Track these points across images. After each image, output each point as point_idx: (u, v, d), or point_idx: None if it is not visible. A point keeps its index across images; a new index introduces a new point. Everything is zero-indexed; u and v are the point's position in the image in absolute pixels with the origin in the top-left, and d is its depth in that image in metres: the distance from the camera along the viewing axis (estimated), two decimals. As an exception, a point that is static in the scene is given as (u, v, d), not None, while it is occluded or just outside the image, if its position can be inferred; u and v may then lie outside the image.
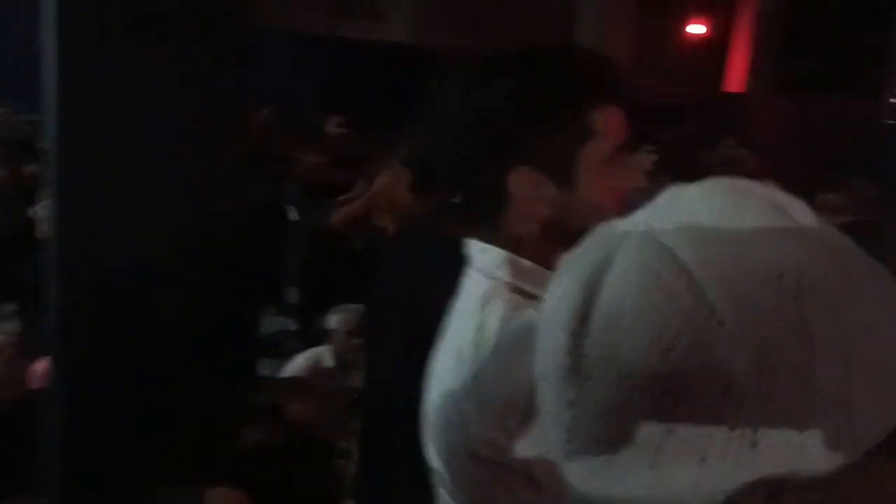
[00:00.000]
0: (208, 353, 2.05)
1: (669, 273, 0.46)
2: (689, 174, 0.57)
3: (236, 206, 2.09)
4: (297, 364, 3.67)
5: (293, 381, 3.11)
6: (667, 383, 0.45)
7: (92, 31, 1.81)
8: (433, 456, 0.85)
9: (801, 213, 0.50)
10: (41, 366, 3.16)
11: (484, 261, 0.85)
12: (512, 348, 0.78)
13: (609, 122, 0.80)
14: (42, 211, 4.54)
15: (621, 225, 0.52)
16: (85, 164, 1.83)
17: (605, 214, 0.57)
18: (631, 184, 0.78)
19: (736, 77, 9.65)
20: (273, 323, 5.33)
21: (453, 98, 0.86)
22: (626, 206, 0.57)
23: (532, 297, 0.80)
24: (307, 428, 2.65)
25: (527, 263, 0.83)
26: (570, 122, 0.79)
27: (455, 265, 0.89)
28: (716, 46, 9.86)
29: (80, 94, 1.82)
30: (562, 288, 0.52)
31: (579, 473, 0.50)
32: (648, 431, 0.47)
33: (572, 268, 0.52)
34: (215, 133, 1.90)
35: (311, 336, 3.96)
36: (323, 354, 3.69)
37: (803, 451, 0.45)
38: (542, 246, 0.82)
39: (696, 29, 9.78)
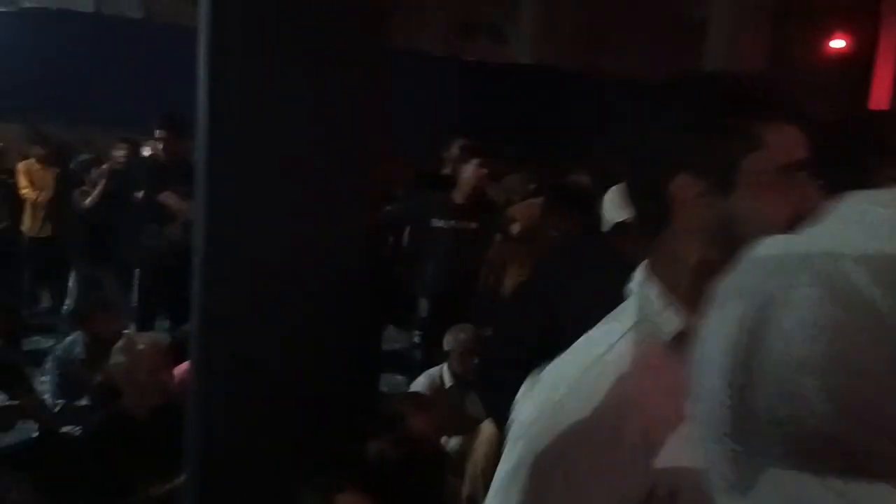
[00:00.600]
0: (338, 364, 2.10)
1: (858, 312, 0.40)
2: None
3: (370, 221, 2.14)
4: (420, 380, 3.73)
5: (415, 396, 3.15)
6: (846, 445, 0.39)
7: (240, 59, 1.91)
8: None
9: None
10: (181, 372, 3.36)
11: (640, 295, 0.86)
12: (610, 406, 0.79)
13: (778, 136, 0.80)
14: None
15: (791, 244, 0.46)
16: (231, 182, 1.93)
17: (770, 228, 0.56)
18: (805, 203, 0.75)
19: (881, 94, 9.06)
20: (400, 338, 5.45)
21: (634, 114, 0.89)
22: (795, 224, 0.54)
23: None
24: (427, 442, 2.69)
25: (676, 301, 0.83)
26: (735, 130, 0.80)
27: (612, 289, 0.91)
28: (858, 62, 9.32)
29: (228, 117, 1.93)
30: (720, 324, 0.45)
31: None
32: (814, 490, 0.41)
33: (732, 297, 0.45)
34: (353, 151, 1.97)
35: (436, 353, 4.00)
36: (443, 373, 3.74)
37: None
38: (704, 259, 0.81)
39: (837, 44, 9.27)
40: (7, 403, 3.39)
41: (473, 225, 4.38)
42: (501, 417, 0.97)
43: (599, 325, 0.89)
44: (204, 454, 2.09)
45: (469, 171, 4.46)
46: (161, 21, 9.98)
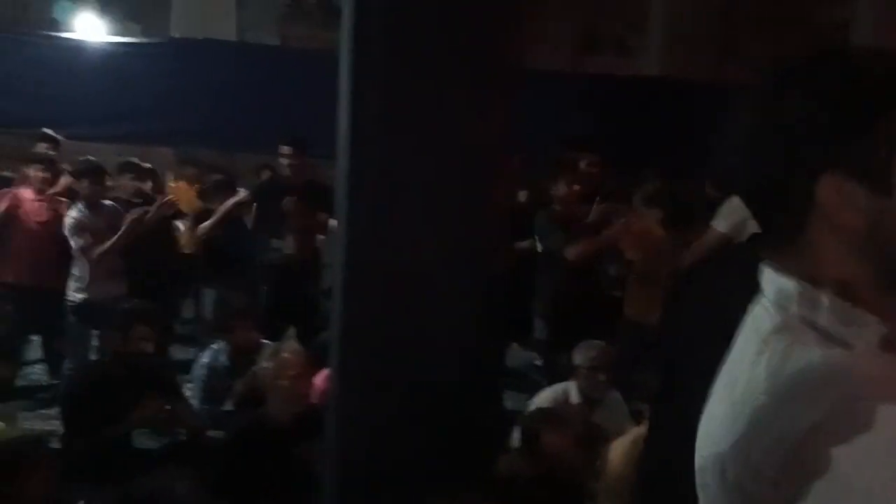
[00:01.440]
0: (468, 377, 2.12)
1: None
2: None
3: (497, 240, 2.16)
4: (544, 396, 3.70)
5: (546, 412, 3.13)
6: None
7: (380, 80, 1.99)
8: None
9: None
10: (320, 381, 3.49)
11: (775, 290, 0.79)
12: (785, 396, 0.72)
13: None
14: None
15: None
16: (370, 198, 2.01)
17: None
18: None
19: None
20: (521, 356, 5.45)
21: (754, 112, 0.82)
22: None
23: (828, 336, 0.73)
24: (559, 461, 2.66)
25: (824, 296, 0.75)
26: (883, 123, 0.72)
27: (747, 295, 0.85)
28: None
29: (368, 136, 2.01)
30: None
31: None
32: None
33: None
34: (488, 169, 2.00)
35: (557, 371, 3.97)
36: (570, 389, 3.69)
37: None
38: (848, 270, 0.75)
39: None
40: (167, 410, 3.65)
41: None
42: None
43: (737, 345, 0.83)
44: (340, 460, 2.16)
45: (561, 190, 4.43)
46: (297, 47, 10.54)
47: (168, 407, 3.82)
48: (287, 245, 5.18)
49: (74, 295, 4.79)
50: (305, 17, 11.80)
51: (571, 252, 4.29)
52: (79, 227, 4.71)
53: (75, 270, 4.80)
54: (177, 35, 8.85)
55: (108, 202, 4.98)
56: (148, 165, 5.99)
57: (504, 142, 2.08)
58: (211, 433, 3.66)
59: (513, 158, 2.25)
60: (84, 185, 4.84)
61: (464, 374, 2.05)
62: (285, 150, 5.23)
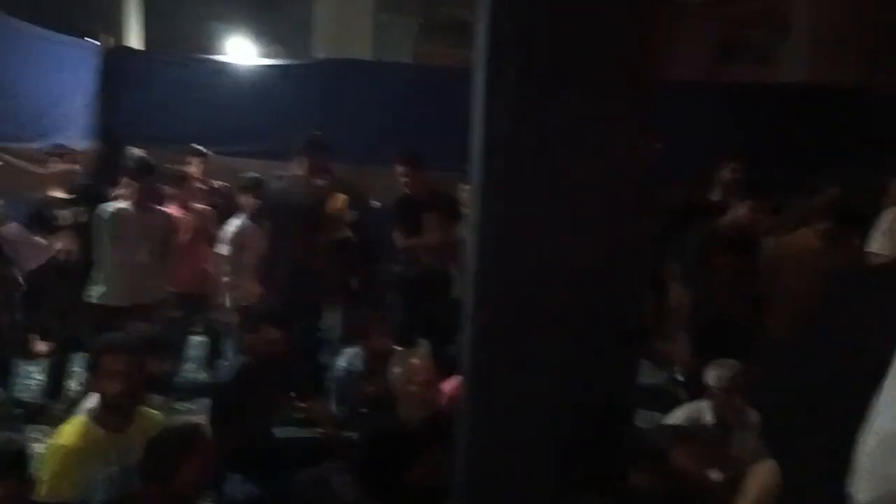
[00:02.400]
0: (600, 389, 2.12)
1: None
2: None
3: (634, 254, 2.15)
4: (677, 415, 3.61)
5: (677, 430, 3.06)
6: None
7: (512, 93, 2.04)
8: None
9: None
10: (449, 387, 3.58)
11: None
12: None
13: None
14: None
15: None
16: (503, 207, 2.06)
17: None
18: None
19: None
20: (657, 374, 5.32)
21: None
22: None
23: None
24: (688, 480, 2.60)
25: None
26: None
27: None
28: None
29: (501, 149, 2.06)
30: None
31: None
32: None
33: None
34: (624, 182, 2.00)
35: (696, 389, 3.85)
36: (703, 409, 3.58)
37: None
38: None
39: None
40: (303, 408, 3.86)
41: (733, 258, 4.19)
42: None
43: None
44: (469, 467, 2.21)
45: (741, 214, 4.30)
46: (429, 64, 10.82)
47: (304, 405, 4.04)
48: (423, 256, 5.32)
49: (227, 299, 5.15)
50: (438, 37, 12.10)
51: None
52: (239, 238, 5.08)
53: (228, 276, 5.16)
54: (320, 56, 9.30)
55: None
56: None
57: (644, 155, 2.08)
58: (348, 433, 3.82)
59: (655, 171, 2.22)
60: (248, 199, 5.20)
61: (596, 387, 2.05)
62: (400, 168, 5.39)
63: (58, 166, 5.45)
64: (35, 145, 6.21)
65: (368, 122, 7.25)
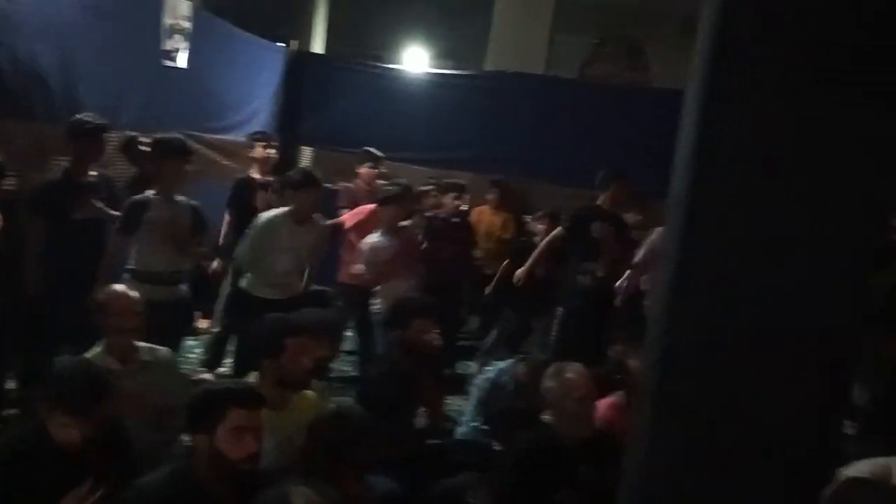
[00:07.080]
0: (800, 417, 1.92)
1: None
2: None
3: (853, 287, 1.93)
4: (860, 466, 3.25)
5: (858, 483, 2.74)
6: None
7: (735, 91, 1.87)
8: None
9: None
10: (604, 407, 3.42)
11: None
12: None
13: None
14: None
15: None
16: (708, 217, 1.91)
17: None
18: None
19: None
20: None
21: None
22: None
23: None
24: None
25: None
26: None
27: None
28: None
29: (715, 151, 1.90)
30: None
31: None
32: None
33: None
34: (850, 208, 1.80)
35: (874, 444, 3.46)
36: (893, 466, 3.20)
37: None
38: None
39: None
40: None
41: None
42: None
43: None
44: (644, 490, 2.07)
45: None
46: (594, 81, 10.71)
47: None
48: (598, 269, 5.32)
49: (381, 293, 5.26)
50: (607, 58, 11.95)
51: None
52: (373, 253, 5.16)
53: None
54: (489, 68, 9.40)
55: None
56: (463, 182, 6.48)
57: (885, 179, 1.85)
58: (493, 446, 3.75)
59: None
60: (388, 210, 5.27)
61: (797, 413, 1.85)
62: (602, 186, 5.48)
63: (260, 151, 5.97)
64: (230, 136, 6.82)
65: (536, 137, 7.27)
